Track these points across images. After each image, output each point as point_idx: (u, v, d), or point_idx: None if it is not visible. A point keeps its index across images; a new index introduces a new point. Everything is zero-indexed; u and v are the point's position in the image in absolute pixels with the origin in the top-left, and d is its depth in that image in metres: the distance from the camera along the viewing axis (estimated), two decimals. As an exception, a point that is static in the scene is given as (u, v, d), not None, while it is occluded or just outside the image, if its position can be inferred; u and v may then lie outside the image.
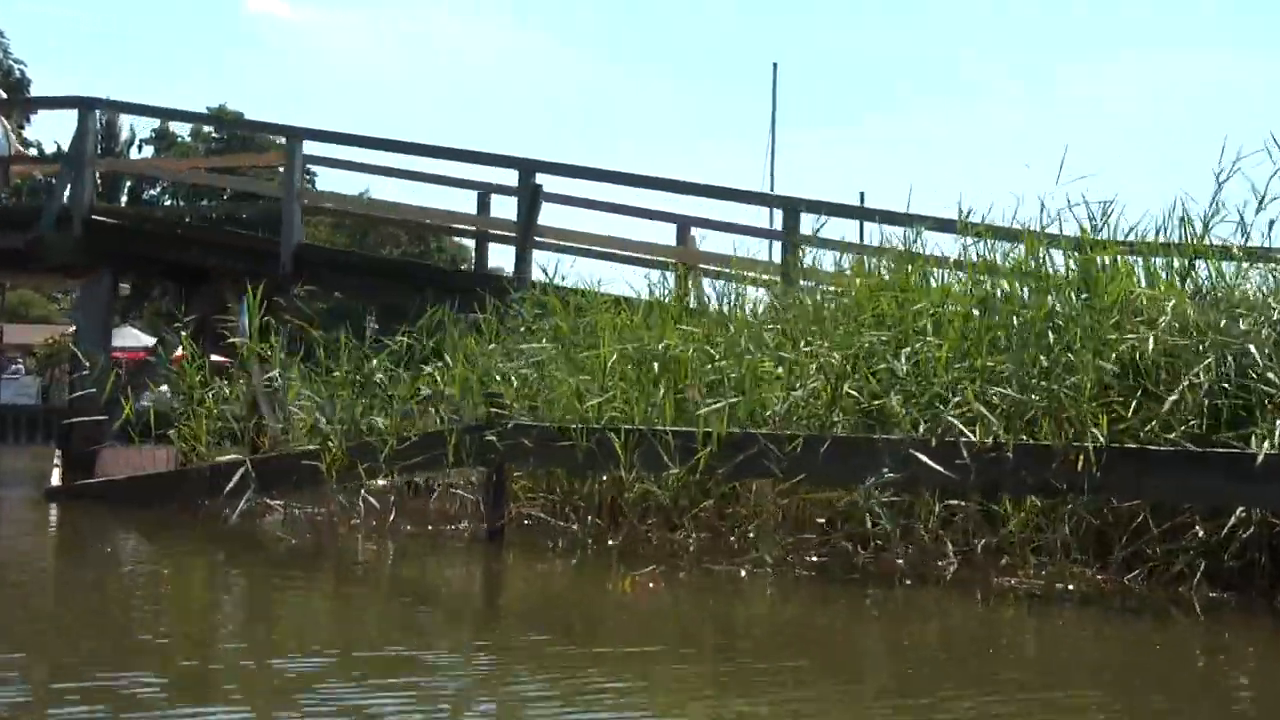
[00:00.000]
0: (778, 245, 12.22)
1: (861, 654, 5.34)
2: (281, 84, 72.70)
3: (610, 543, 7.79)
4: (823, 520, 7.03)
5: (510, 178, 13.35)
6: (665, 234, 13.62)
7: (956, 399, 6.61)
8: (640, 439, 7.40)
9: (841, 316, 8.05)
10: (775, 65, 53.59)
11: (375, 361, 9.51)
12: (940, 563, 6.70)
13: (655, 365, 8.05)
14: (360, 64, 77.43)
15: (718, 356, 8.20)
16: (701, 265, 10.79)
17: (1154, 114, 68.47)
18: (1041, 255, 7.67)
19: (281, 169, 20.57)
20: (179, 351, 13.19)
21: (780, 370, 7.53)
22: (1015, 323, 6.94)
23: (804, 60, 74.46)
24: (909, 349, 7.10)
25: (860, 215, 10.04)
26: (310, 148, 14.01)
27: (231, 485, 8.66)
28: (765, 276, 10.26)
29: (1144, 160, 63.61)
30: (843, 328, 7.68)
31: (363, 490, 8.82)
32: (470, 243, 40.83)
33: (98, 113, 14.55)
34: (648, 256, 13.03)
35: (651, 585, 6.39)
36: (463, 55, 77.46)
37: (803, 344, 7.93)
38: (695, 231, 13.32)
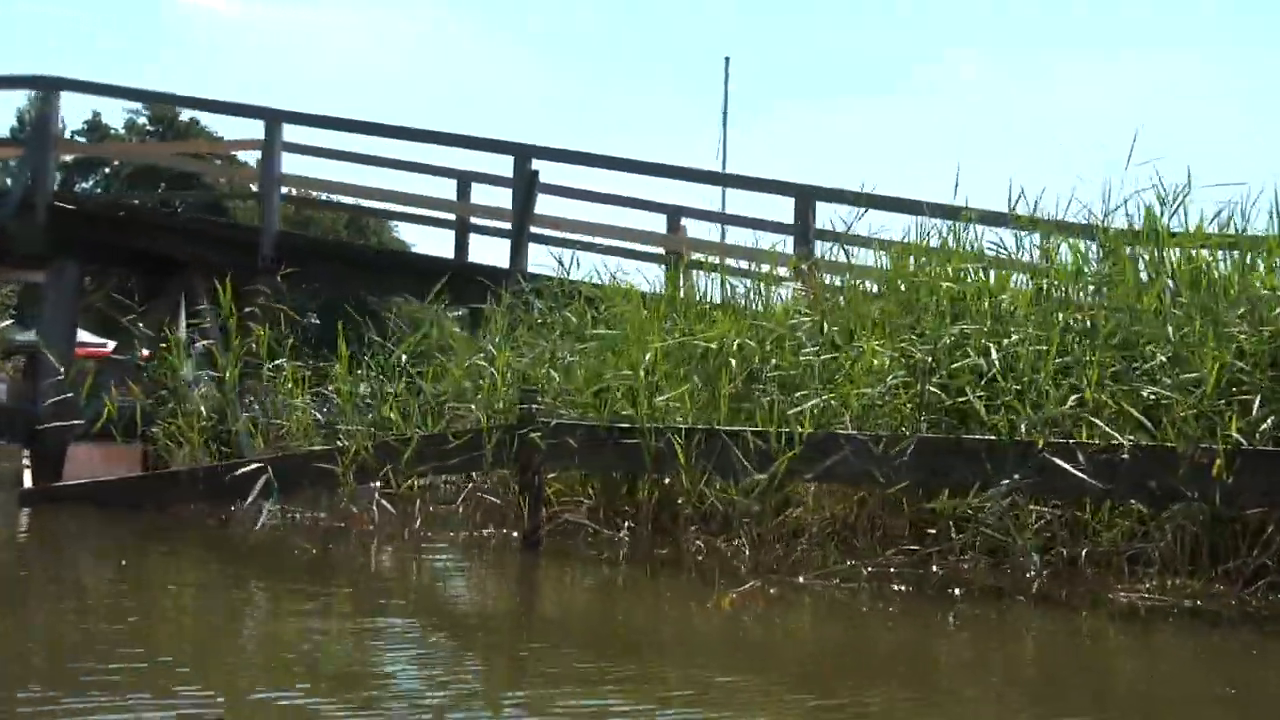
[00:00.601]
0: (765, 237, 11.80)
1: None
2: (221, 81, 70.74)
3: (657, 552, 7.27)
4: (922, 530, 6.52)
5: (498, 165, 12.87)
6: (660, 226, 13.16)
7: (1075, 397, 6.12)
8: (708, 439, 6.84)
9: (903, 311, 7.57)
10: (727, 60, 54.17)
11: (402, 358, 8.88)
12: (1029, 574, 6.26)
13: (729, 361, 7.48)
14: (314, 62, 75.66)
15: (767, 352, 7.70)
16: (728, 259, 10.24)
17: (1154, 114, 68.51)
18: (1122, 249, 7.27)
19: (228, 159, 20.08)
20: (145, 351, 12.57)
21: (861, 364, 6.99)
22: (1127, 319, 6.47)
23: (800, 59, 73.96)
24: (1002, 342, 6.58)
25: (904, 207, 9.53)
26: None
27: (256, 490, 7.96)
28: (790, 271, 9.76)
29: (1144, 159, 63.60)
30: (922, 320, 7.19)
31: (377, 494, 8.27)
32: (407, 236, 40.57)
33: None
34: (651, 249, 12.60)
35: (755, 604, 5.75)
36: (418, 54, 75.97)
37: (858, 338, 7.45)
38: (693, 223, 12.91)
